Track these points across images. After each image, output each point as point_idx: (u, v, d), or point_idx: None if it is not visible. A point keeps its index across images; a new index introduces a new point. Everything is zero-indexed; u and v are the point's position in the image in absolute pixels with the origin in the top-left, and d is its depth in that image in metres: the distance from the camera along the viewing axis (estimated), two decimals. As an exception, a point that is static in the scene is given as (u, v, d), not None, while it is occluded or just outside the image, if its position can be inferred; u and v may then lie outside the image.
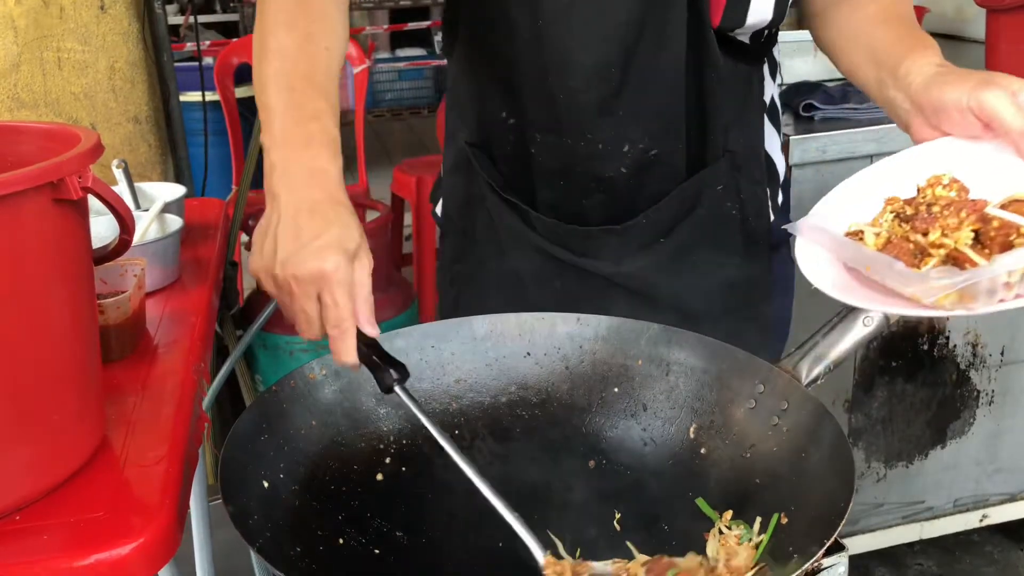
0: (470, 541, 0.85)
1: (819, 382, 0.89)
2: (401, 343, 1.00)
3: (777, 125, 1.21)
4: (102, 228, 1.09)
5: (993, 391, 1.99)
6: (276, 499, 0.81)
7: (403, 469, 0.93)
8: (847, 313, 0.90)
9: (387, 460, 0.93)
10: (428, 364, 1.01)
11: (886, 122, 1.74)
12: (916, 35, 1.01)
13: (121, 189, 1.47)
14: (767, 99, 1.17)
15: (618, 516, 0.88)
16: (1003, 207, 0.79)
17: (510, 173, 1.13)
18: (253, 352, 2.08)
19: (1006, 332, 1.95)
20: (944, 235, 0.79)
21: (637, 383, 0.99)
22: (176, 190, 1.49)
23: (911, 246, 0.80)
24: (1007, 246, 0.77)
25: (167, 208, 1.39)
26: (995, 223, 0.77)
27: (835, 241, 0.86)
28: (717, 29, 1.03)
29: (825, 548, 0.69)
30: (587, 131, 1.06)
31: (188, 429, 0.90)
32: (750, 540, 0.80)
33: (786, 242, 1.21)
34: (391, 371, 0.83)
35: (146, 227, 1.33)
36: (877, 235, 0.84)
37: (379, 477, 0.91)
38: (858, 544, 2.07)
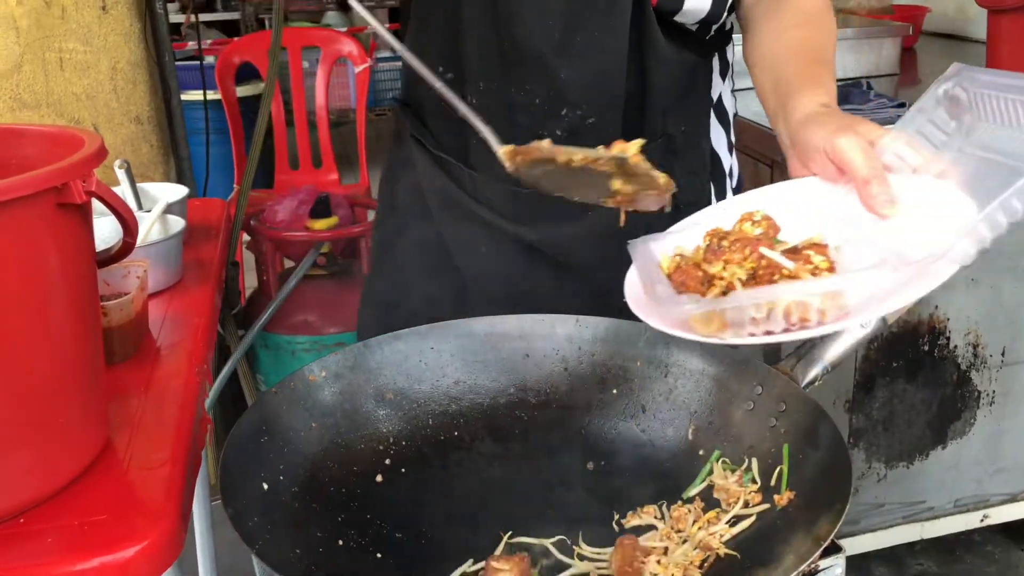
0: (469, 541, 0.86)
1: (817, 383, 0.89)
2: (401, 345, 1.01)
3: (726, 126, 1.23)
4: (105, 229, 1.09)
5: (994, 392, 2.00)
6: (276, 501, 0.81)
7: (403, 470, 0.94)
8: (845, 316, 0.91)
9: (387, 461, 0.94)
10: (427, 366, 1.01)
11: (886, 122, 1.74)
12: (816, 72, 1.01)
13: (123, 190, 1.47)
14: (714, 95, 1.19)
15: (616, 517, 0.88)
16: (801, 248, 0.81)
17: (442, 131, 1.14)
18: (255, 352, 2.09)
19: (1007, 332, 1.95)
20: (724, 268, 0.80)
21: (636, 385, 1.00)
22: (178, 191, 1.49)
23: (700, 274, 0.81)
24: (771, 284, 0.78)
25: (169, 209, 1.39)
26: (764, 262, 0.79)
27: (646, 259, 0.88)
28: (656, 8, 1.05)
29: (822, 550, 0.70)
30: (527, 82, 1.07)
31: (191, 431, 0.91)
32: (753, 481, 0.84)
33: None
34: None
35: (148, 228, 1.33)
36: (673, 259, 0.85)
37: (379, 479, 0.92)
38: (859, 544, 2.07)
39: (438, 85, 0.85)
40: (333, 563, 0.80)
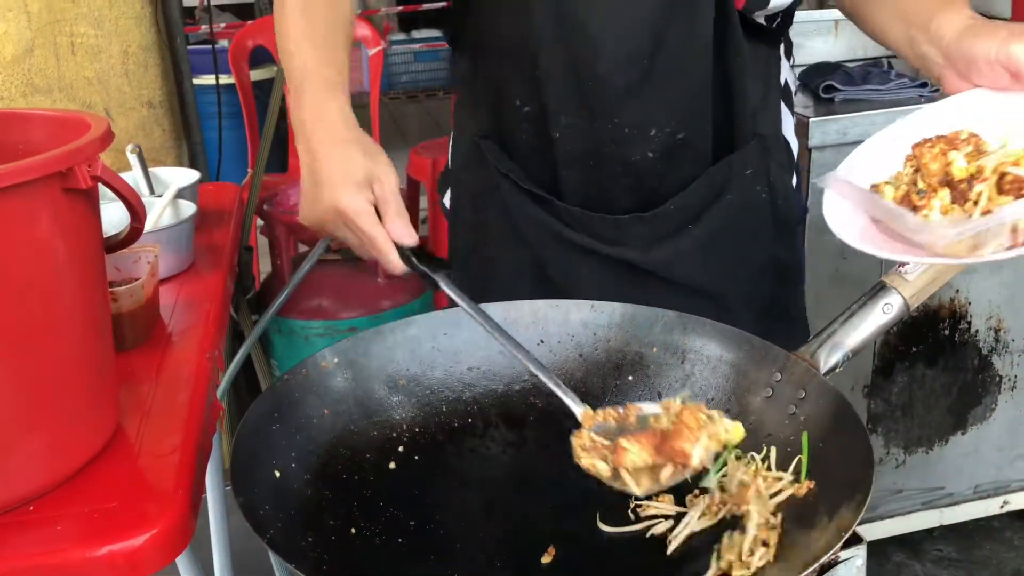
0: (482, 529, 0.85)
1: (837, 370, 0.87)
2: (414, 331, 1.00)
3: (791, 107, 1.20)
4: (116, 214, 1.08)
5: (1016, 376, 1.97)
6: (288, 488, 0.80)
7: (415, 458, 0.93)
8: (866, 301, 0.89)
9: (400, 448, 0.93)
10: (441, 352, 1.00)
11: (907, 103, 1.71)
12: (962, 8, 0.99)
13: (135, 175, 1.47)
14: (783, 81, 1.16)
15: (633, 504, 0.87)
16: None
17: (527, 164, 1.12)
18: (269, 337, 2.08)
19: (1029, 317, 1.92)
20: (971, 166, 0.78)
21: (652, 371, 0.98)
22: (190, 175, 1.48)
23: (941, 181, 0.79)
24: (1019, 195, 0.76)
25: (181, 194, 1.39)
26: (1009, 177, 0.76)
27: (859, 194, 0.85)
28: (741, 11, 1.02)
29: (843, 540, 0.68)
30: (614, 115, 1.05)
31: (202, 417, 0.90)
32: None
33: (802, 221, 1.22)
34: (433, 274, 0.92)
35: (160, 213, 1.33)
36: (896, 188, 0.82)
37: (391, 465, 0.91)
38: (877, 530, 2.05)
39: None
40: (345, 551, 0.79)
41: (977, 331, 1.90)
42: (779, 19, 1.09)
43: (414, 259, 0.92)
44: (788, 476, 0.82)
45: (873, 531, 2.04)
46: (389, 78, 6.46)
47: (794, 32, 1.17)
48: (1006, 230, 0.74)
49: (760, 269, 1.12)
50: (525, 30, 1.03)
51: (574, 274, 1.12)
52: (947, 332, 1.88)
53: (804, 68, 1.92)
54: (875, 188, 0.85)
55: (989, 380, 1.96)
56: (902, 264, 0.89)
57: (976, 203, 0.76)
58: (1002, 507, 2.10)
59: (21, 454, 0.74)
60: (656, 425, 0.82)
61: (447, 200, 1.25)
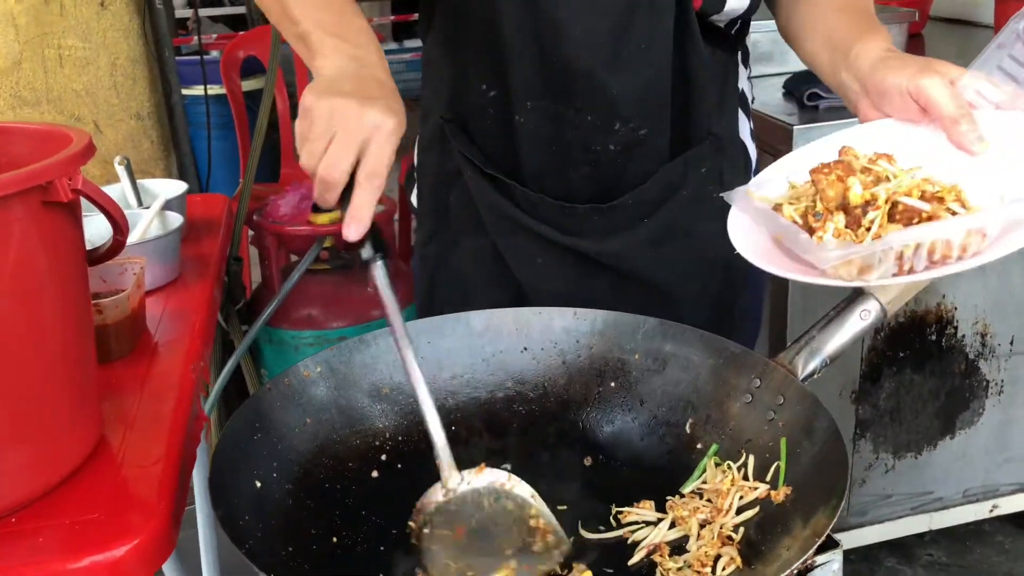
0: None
1: (815, 376, 0.88)
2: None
3: (748, 113, 1.23)
4: (100, 226, 1.09)
5: (1003, 381, 1.98)
6: (269, 499, 0.81)
7: (398, 466, 0.93)
8: (844, 307, 0.90)
9: (383, 457, 0.94)
10: (424, 360, 1.00)
11: (891, 110, 1.72)
12: (869, 22, 1.03)
13: (123, 187, 1.47)
14: (740, 88, 1.19)
15: (615, 511, 0.87)
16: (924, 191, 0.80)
17: (490, 148, 1.13)
18: (259, 347, 2.09)
19: (1016, 321, 1.93)
20: (867, 192, 0.80)
21: (634, 378, 0.99)
22: (178, 187, 1.49)
23: (838, 205, 0.81)
24: (909, 224, 0.78)
25: (168, 205, 1.39)
26: (900, 206, 0.79)
27: (760, 211, 0.87)
28: (698, 12, 1.05)
29: (818, 545, 0.69)
30: (578, 99, 1.06)
31: (186, 428, 0.90)
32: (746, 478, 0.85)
33: None
34: (377, 251, 0.83)
35: (147, 225, 1.33)
36: (796, 207, 0.84)
37: (374, 474, 0.92)
38: (867, 535, 2.06)
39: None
40: (326, 561, 0.79)
41: (964, 336, 1.91)
42: (737, 25, 1.12)
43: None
44: (764, 486, 0.83)
45: (863, 536, 2.05)
46: (381, 87, 6.45)
47: (780, 40, 1.18)
48: (891, 256, 0.76)
49: (709, 266, 1.14)
50: (492, 12, 1.04)
51: (530, 263, 1.13)
52: (934, 337, 1.89)
53: (789, 76, 1.93)
54: (777, 208, 0.86)
55: (976, 384, 1.97)
56: None
57: (868, 229, 0.78)
58: (991, 511, 2.11)
59: (3, 466, 0.74)
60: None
61: (414, 197, 1.26)
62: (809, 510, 0.75)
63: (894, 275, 0.77)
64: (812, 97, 1.78)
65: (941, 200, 0.78)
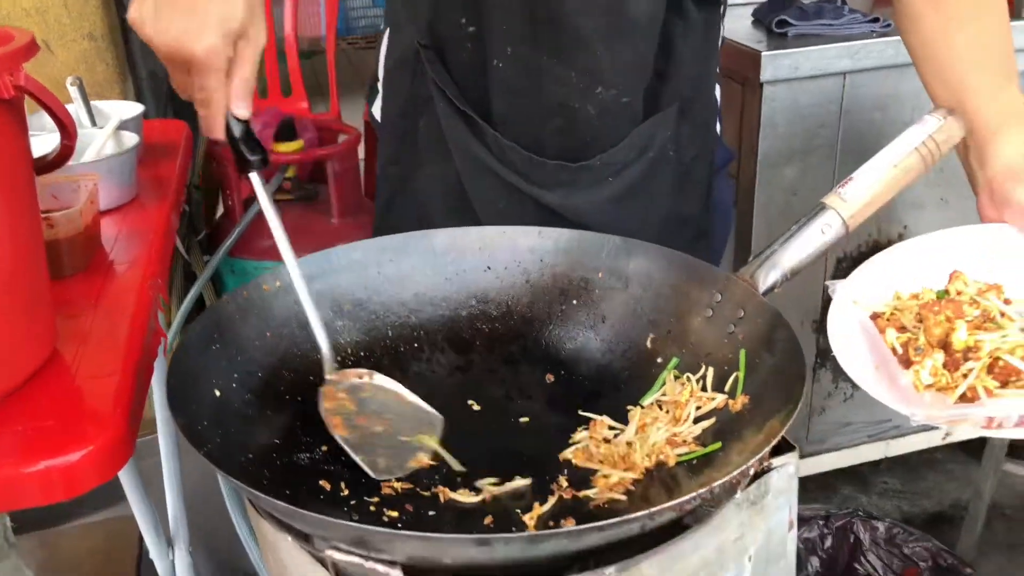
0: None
1: (776, 290, 0.89)
2: (359, 256, 0.99)
3: (718, 59, 1.21)
4: (51, 142, 1.06)
5: (960, 312, 2.01)
6: (228, 407, 0.80)
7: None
8: (805, 222, 0.90)
9: (345, 372, 0.93)
10: (386, 277, 1.00)
11: (860, 38, 1.72)
12: (1005, 91, 0.98)
13: (76, 107, 1.43)
14: (721, 39, 1.18)
15: (580, 428, 0.88)
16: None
17: (466, 84, 1.10)
18: (221, 278, 2.06)
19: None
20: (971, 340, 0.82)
21: (597, 296, 0.99)
22: (134, 108, 1.45)
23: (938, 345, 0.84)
24: (1007, 380, 0.80)
25: (124, 126, 1.35)
26: (1000, 362, 0.80)
27: (862, 325, 0.89)
28: None
29: (773, 445, 0.70)
30: (565, 58, 1.04)
31: (143, 341, 0.89)
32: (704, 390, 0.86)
33: (725, 166, 1.25)
34: (251, 156, 0.81)
35: (101, 144, 1.30)
36: (892, 324, 0.87)
37: (336, 388, 0.91)
38: (825, 462, 2.11)
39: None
40: (287, 467, 0.79)
41: (924, 267, 1.94)
42: None
43: (239, 135, 0.81)
44: (722, 396, 0.84)
45: (821, 463, 2.10)
46: (347, 23, 6.32)
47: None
48: (981, 419, 0.78)
49: (665, 222, 1.14)
50: None
51: (492, 206, 1.13)
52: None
53: (757, 5, 1.91)
54: (876, 316, 0.88)
55: (934, 315, 2.00)
56: (843, 184, 0.91)
57: (965, 376, 0.80)
58: (944, 438, 2.17)
59: (-49, 373, 0.73)
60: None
61: (376, 109, 1.23)
62: (765, 418, 0.76)
63: (983, 428, 0.78)
64: (781, 24, 1.76)
65: None
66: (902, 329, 0.86)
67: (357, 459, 0.80)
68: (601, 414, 0.88)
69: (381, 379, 0.84)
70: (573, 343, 0.98)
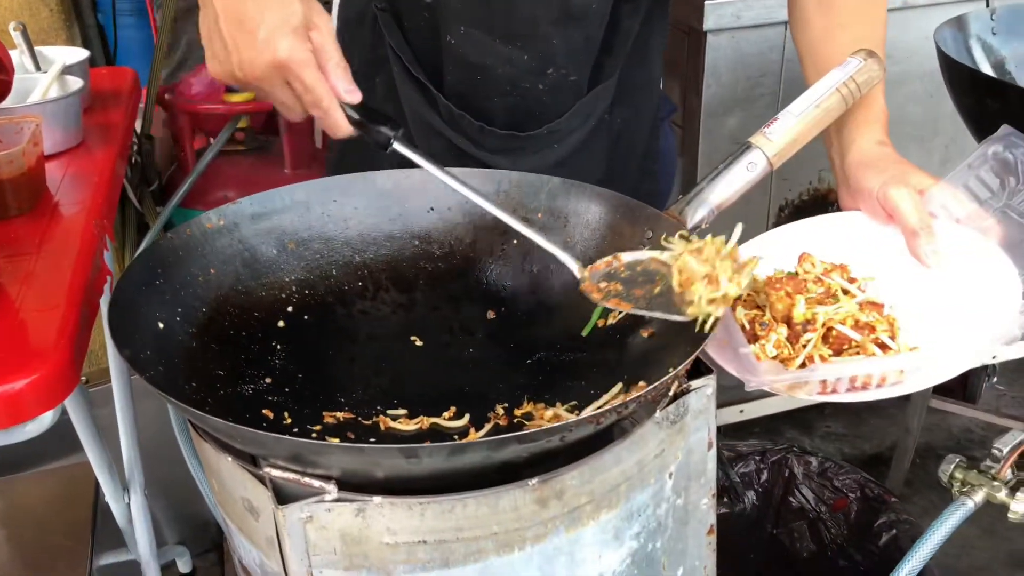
0: (371, 378, 0.89)
1: (704, 226, 0.92)
2: (302, 196, 1.01)
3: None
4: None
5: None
6: (171, 339, 0.82)
7: (305, 317, 0.96)
8: (732, 160, 0.94)
9: (289, 309, 0.95)
10: (331, 217, 1.02)
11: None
12: (871, 93, 1.03)
13: (19, 53, 1.42)
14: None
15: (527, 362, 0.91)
16: (862, 307, 0.90)
17: (419, 50, 1.12)
18: (174, 228, 2.06)
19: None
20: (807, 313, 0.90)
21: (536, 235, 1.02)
22: (79, 53, 1.44)
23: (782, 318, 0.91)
24: (841, 347, 0.88)
25: (69, 71, 1.35)
26: (834, 332, 0.88)
27: None
28: None
29: (690, 361, 0.74)
30: (517, 38, 1.07)
31: (87, 278, 0.91)
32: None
33: (668, 117, 1.31)
34: (384, 128, 0.85)
35: (46, 88, 1.30)
36: (744, 305, 0.93)
37: (280, 324, 0.94)
38: (769, 406, 2.17)
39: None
40: (230, 396, 0.82)
41: (865, 216, 1.99)
42: None
43: (361, 117, 0.83)
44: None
45: (765, 407, 2.16)
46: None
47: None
48: (815, 382, 0.85)
49: (604, 176, 1.19)
50: None
51: (440, 164, 1.16)
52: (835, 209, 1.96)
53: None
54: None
55: (875, 264, 2.06)
56: (768, 124, 0.94)
57: (804, 347, 0.87)
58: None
59: None
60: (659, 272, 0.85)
61: None
62: (690, 337, 0.80)
63: (818, 393, 0.86)
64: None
65: (872, 329, 0.87)
66: (756, 308, 0.93)
67: (675, 317, 0.80)
68: (538, 348, 0.92)
69: (627, 255, 0.86)
70: (513, 280, 1.01)
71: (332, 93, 0.81)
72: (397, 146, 0.86)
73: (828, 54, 1.07)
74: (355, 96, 0.83)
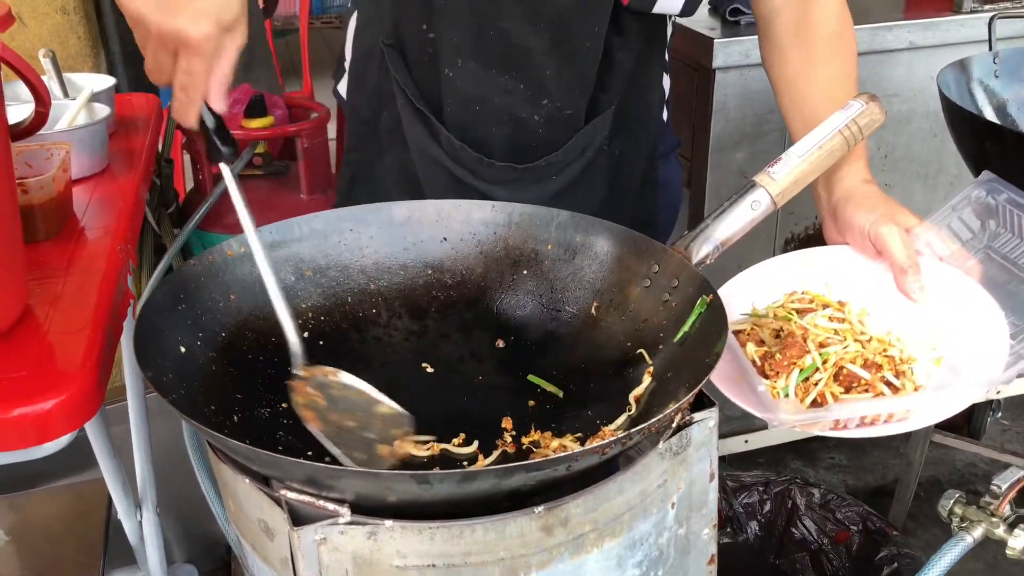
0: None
1: (708, 262, 0.95)
2: (319, 225, 1.04)
3: (667, 52, 1.28)
4: (25, 111, 1.10)
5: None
6: (192, 363, 0.85)
7: (320, 343, 0.98)
8: (737, 198, 0.97)
9: (305, 334, 0.98)
10: (347, 246, 1.05)
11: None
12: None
13: (48, 79, 1.46)
14: (669, 34, 1.25)
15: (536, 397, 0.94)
16: (869, 349, 0.94)
17: (423, 82, 1.17)
18: (191, 251, 2.09)
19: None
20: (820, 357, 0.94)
21: (546, 266, 1.05)
22: (105, 80, 1.49)
23: (792, 356, 0.95)
24: (850, 386, 0.92)
25: (96, 98, 1.39)
26: (844, 370, 0.92)
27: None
28: (627, 7, 1.10)
29: (693, 394, 0.76)
30: (512, 69, 1.11)
31: (112, 301, 0.94)
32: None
33: (673, 151, 1.33)
34: (223, 147, 0.86)
35: (74, 115, 1.34)
36: (752, 339, 0.98)
37: (297, 349, 0.96)
38: (775, 436, 2.19)
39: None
40: (249, 420, 0.85)
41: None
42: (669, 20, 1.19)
43: (213, 124, 0.84)
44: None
45: (768, 438, 2.18)
46: (321, 1, 6.30)
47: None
48: (829, 422, 0.89)
49: (600, 206, 1.22)
50: None
51: (443, 195, 1.18)
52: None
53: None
54: (738, 335, 0.98)
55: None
56: (772, 164, 0.97)
57: (815, 384, 0.91)
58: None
59: (-70, 326, 0.77)
60: None
61: (343, 87, 1.29)
62: (693, 372, 0.82)
63: (830, 429, 0.90)
64: (734, 12, 1.82)
65: (879, 367, 0.92)
66: (760, 343, 0.97)
67: (336, 452, 0.81)
68: (547, 376, 0.95)
69: (348, 377, 0.85)
70: (523, 310, 1.04)
71: (205, 89, 0.81)
72: (223, 168, 0.87)
73: (807, 91, 1.11)
74: (221, 105, 0.84)
